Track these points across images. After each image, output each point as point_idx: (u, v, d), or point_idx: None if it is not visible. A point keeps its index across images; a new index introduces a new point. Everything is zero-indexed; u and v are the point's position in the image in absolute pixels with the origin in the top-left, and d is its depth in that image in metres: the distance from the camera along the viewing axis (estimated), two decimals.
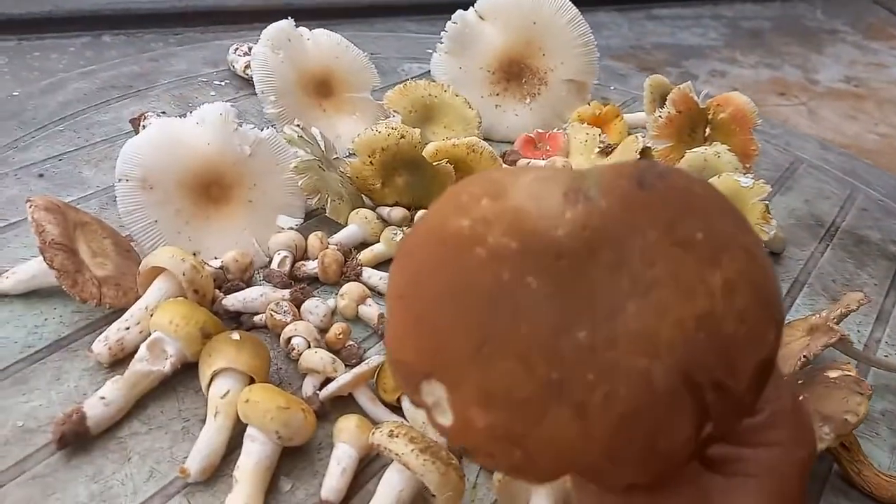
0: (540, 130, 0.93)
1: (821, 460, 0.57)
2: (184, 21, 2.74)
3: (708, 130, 0.90)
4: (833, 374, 0.55)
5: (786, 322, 0.71)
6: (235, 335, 0.54)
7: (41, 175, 0.77)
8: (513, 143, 0.93)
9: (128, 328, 0.57)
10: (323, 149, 0.75)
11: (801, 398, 0.26)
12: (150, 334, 0.55)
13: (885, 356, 0.70)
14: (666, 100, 0.90)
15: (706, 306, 0.20)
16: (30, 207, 0.58)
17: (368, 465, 0.52)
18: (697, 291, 0.20)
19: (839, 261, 0.84)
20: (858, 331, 0.73)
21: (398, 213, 0.75)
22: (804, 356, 0.62)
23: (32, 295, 0.61)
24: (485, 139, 0.82)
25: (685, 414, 0.20)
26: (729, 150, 0.83)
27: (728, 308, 0.20)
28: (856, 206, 0.95)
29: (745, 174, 0.80)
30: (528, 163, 0.87)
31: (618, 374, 0.20)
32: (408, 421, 0.54)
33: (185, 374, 0.56)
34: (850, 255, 0.85)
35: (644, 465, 0.20)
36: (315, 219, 0.76)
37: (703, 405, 0.20)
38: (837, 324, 0.63)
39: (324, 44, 0.88)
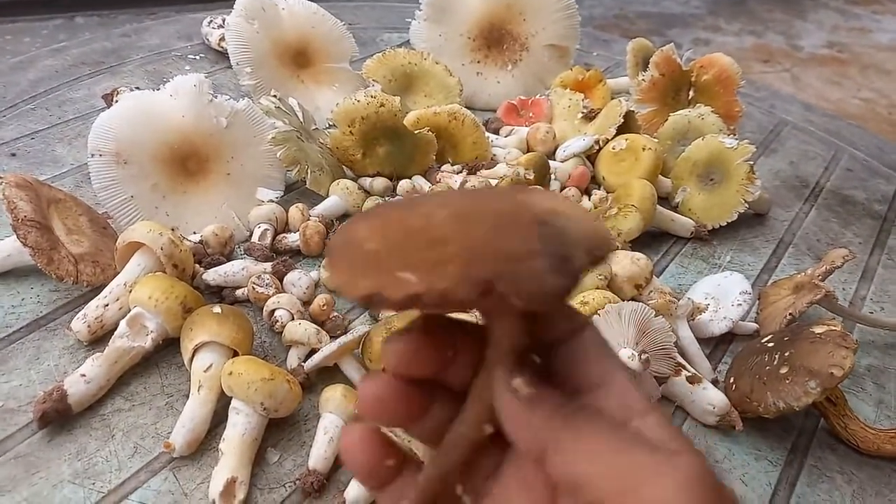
0: (523, 97, 0.91)
1: (807, 415, 0.58)
2: (159, 0, 2.68)
3: (691, 93, 0.90)
4: (819, 329, 0.55)
5: (771, 281, 0.71)
6: (217, 308, 0.53)
7: (13, 154, 0.75)
8: (495, 110, 0.92)
9: (107, 305, 0.56)
10: (301, 119, 0.74)
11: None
12: (129, 310, 0.54)
13: (871, 313, 0.70)
14: (649, 63, 0.89)
15: None
16: (1, 185, 0.57)
17: None
18: None
19: (824, 220, 0.84)
20: (844, 289, 0.73)
21: (380, 183, 0.74)
22: (790, 314, 0.62)
23: (8, 275, 0.60)
24: (467, 107, 0.81)
25: None
26: (713, 111, 0.82)
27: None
28: (840, 167, 0.95)
29: (729, 136, 0.79)
30: (512, 130, 0.87)
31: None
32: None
33: (167, 349, 0.56)
34: (834, 214, 0.85)
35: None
36: (296, 191, 0.75)
37: None
38: (822, 281, 0.63)
39: (299, 13, 0.86)
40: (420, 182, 0.75)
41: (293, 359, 0.56)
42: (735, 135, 0.83)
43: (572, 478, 0.23)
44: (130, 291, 0.55)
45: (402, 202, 0.25)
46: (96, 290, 0.57)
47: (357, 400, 0.26)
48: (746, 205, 0.75)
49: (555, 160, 0.81)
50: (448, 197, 0.25)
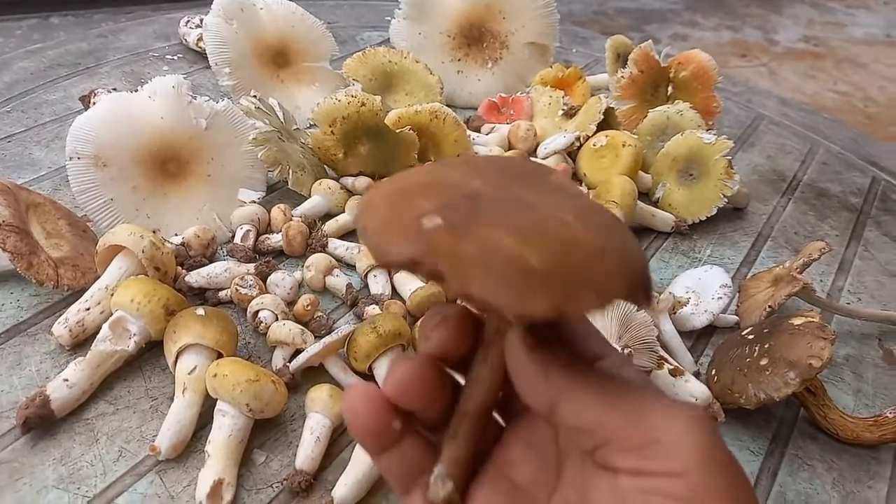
0: (503, 95, 0.92)
1: (788, 405, 0.59)
2: (134, 0, 2.65)
3: (670, 89, 0.90)
4: (797, 321, 0.56)
5: (750, 274, 0.72)
6: (200, 310, 0.53)
7: None
8: (476, 108, 0.92)
9: (88, 309, 0.55)
10: (282, 119, 0.74)
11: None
12: (111, 314, 0.54)
13: (848, 304, 0.72)
14: (628, 60, 0.89)
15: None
16: None
17: (342, 435, 0.52)
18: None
19: (801, 214, 0.85)
20: (821, 280, 0.74)
21: (362, 182, 0.74)
22: (769, 306, 0.63)
23: None
24: (447, 105, 0.81)
25: None
26: (691, 107, 0.83)
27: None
28: (816, 160, 0.97)
29: (707, 131, 0.80)
30: (493, 128, 0.87)
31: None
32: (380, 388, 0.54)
33: (151, 352, 0.55)
34: (811, 207, 0.87)
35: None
36: (277, 192, 0.74)
37: None
38: (800, 273, 0.64)
39: (278, 12, 0.86)
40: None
41: (278, 359, 0.56)
42: (713, 130, 0.84)
43: (582, 424, 0.24)
44: (112, 295, 0.54)
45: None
46: (77, 294, 0.57)
47: (387, 376, 0.27)
48: (725, 199, 0.76)
49: (536, 157, 0.81)
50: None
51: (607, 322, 0.55)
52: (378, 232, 0.22)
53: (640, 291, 0.23)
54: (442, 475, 0.26)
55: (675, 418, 0.23)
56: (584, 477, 0.25)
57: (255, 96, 0.71)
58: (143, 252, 0.56)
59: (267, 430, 0.51)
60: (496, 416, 0.29)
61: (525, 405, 0.26)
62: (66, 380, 0.50)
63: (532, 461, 0.28)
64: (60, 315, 0.55)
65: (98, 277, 0.57)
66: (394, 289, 0.64)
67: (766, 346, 0.56)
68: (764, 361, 0.54)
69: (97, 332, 0.53)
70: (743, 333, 0.60)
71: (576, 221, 0.22)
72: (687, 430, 0.22)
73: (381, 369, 0.55)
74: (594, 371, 0.25)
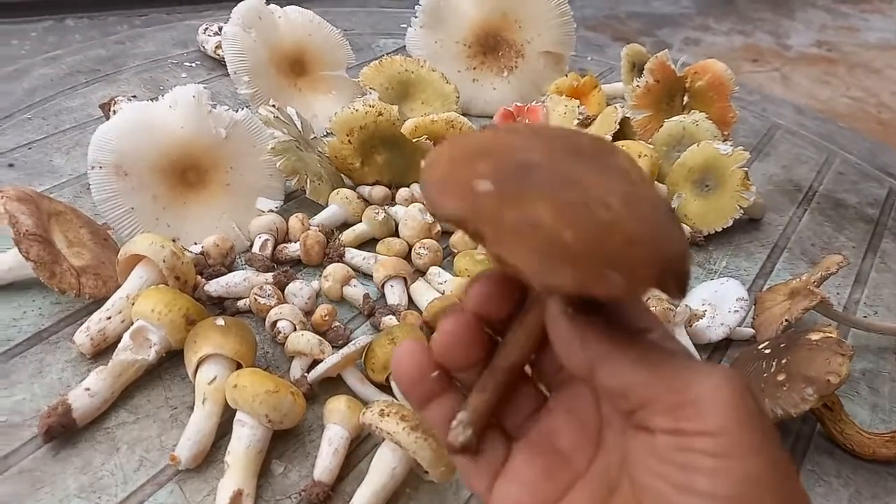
0: (518, 104, 0.92)
1: (804, 421, 0.59)
2: (149, 2, 2.67)
3: (686, 99, 0.90)
4: (815, 336, 0.56)
5: (767, 287, 0.72)
6: (220, 321, 0.54)
7: (11, 165, 0.75)
8: (492, 117, 0.92)
9: (109, 318, 0.56)
10: (300, 129, 0.74)
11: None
12: (132, 323, 0.54)
13: (864, 317, 0.71)
14: (643, 69, 0.89)
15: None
16: (1, 198, 0.57)
17: (360, 446, 0.52)
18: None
19: (817, 225, 0.85)
20: (838, 293, 0.74)
21: (379, 191, 0.74)
22: (786, 319, 0.63)
23: (9, 287, 0.60)
24: (463, 114, 0.81)
25: None
26: (707, 117, 0.83)
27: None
28: (832, 170, 0.96)
29: (723, 141, 0.80)
30: None
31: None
32: (397, 400, 0.54)
33: (171, 362, 0.56)
34: (827, 218, 0.86)
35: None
36: (295, 200, 0.75)
37: None
38: (818, 287, 0.64)
39: (296, 21, 0.87)
40: (419, 190, 0.76)
41: (296, 370, 0.56)
42: (729, 140, 0.84)
43: (620, 386, 0.25)
44: (133, 304, 0.55)
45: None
46: (98, 302, 0.57)
47: (436, 332, 0.28)
48: (742, 211, 0.76)
49: None
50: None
51: None
52: (435, 185, 0.24)
53: (672, 282, 0.24)
54: (464, 422, 0.28)
55: (708, 379, 0.24)
56: (623, 440, 0.26)
57: (273, 105, 0.72)
58: (163, 261, 0.56)
59: (286, 441, 0.52)
60: (542, 388, 0.31)
61: (569, 375, 0.28)
62: (88, 389, 0.51)
63: (573, 428, 0.29)
64: (82, 324, 0.56)
65: (119, 286, 0.58)
66: (410, 299, 0.65)
67: (783, 362, 0.55)
68: (781, 377, 0.54)
69: (118, 340, 0.54)
70: (759, 348, 0.60)
71: (620, 206, 0.23)
72: (720, 390, 0.23)
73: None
74: (634, 338, 0.26)
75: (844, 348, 0.54)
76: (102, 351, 0.56)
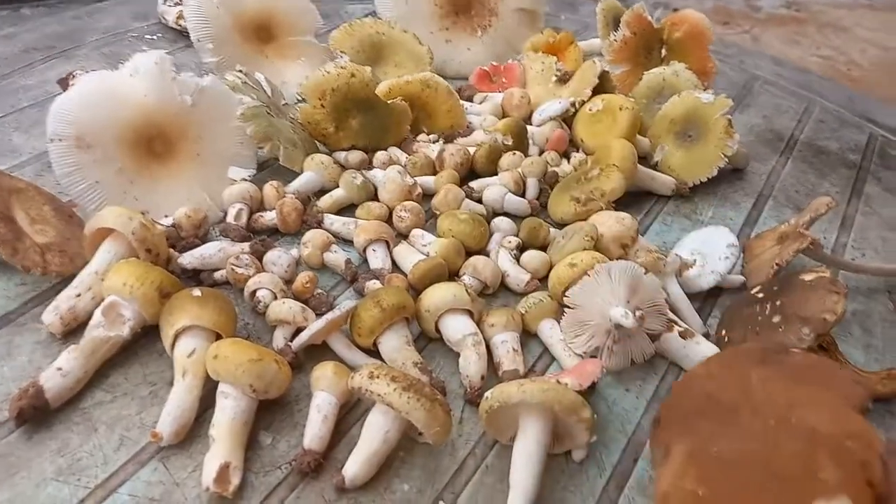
0: (494, 63, 0.90)
1: None
2: None
3: (664, 51, 0.89)
4: (808, 277, 0.55)
5: (754, 234, 0.71)
6: (197, 292, 0.51)
7: None
8: (467, 78, 0.90)
9: (79, 295, 0.53)
10: (269, 95, 0.71)
11: None
12: (103, 299, 0.52)
13: (852, 259, 0.71)
14: (619, 23, 0.87)
15: None
16: None
17: (350, 412, 0.51)
18: None
19: (801, 172, 0.84)
20: (824, 237, 0.73)
21: (355, 156, 0.72)
22: (776, 263, 0.62)
23: None
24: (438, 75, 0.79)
25: None
26: (687, 68, 0.82)
27: None
28: (813, 119, 0.95)
29: (704, 91, 0.79)
30: (486, 97, 0.85)
31: None
32: (386, 363, 0.52)
33: (146, 337, 0.53)
34: (810, 166, 0.86)
35: None
36: (268, 169, 0.72)
37: None
38: (807, 229, 0.63)
39: None
40: (396, 153, 0.73)
41: (279, 339, 0.54)
42: (710, 90, 0.83)
43: None
44: (103, 280, 0.52)
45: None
46: (66, 280, 0.55)
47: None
48: (726, 159, 0.74)
49: (531, 125, 0.80)
50: None
51: (614, 285, 0.53)
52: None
53: None
54: None
55: None
56: None
57: (241, 71, 0.69)
58: (132, 234, 0.54)
59: (272, 411, 0.50)
60: None
61: None
62: (60, 368, 0.48)
63: None
64: (50, 303, 0.53)
65: (87, 262, 0.55)
66: (394, 262, 0.63)
67: (777, 304, 0.54)
68: (776, 319, 0.53)
69: (89, 318, 0.51)
70: (752, 292, 0.59)
71: None
72: None
73: (385, 344, 0.53)
74: None
75: (839, 287, 0.53)
76: (73, 330, 0.53)
